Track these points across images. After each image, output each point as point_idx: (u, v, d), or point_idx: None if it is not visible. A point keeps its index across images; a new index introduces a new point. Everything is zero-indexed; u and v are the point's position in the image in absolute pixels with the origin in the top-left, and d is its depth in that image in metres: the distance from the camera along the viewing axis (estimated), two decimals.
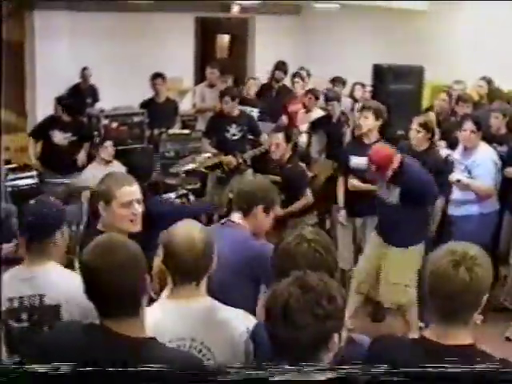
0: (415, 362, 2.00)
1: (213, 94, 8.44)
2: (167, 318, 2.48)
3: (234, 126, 7.14)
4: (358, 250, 5.92)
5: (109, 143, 6.72)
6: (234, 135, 7.16)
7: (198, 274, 2.51)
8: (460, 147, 5.91)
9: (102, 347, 2.04)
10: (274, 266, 2.46)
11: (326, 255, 2.38)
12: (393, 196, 5.08)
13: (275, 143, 5.96)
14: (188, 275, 2.50)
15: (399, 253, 5.16)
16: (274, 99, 9.14)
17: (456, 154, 5.97)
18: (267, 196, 3.37)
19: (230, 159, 6.99)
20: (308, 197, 5.96)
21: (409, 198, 4.99)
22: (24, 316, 2.77)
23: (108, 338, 2.06)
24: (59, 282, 2.76)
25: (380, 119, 5.75)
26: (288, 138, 5.99)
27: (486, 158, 5.70)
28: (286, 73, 9.50)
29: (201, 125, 8.52)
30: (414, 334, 4.76)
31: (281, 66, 9.51)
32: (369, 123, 5.73)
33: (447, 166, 5.89)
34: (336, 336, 1.95)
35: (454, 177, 5.71)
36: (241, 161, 7.02)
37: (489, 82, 8.34)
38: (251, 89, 8.99)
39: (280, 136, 5.95)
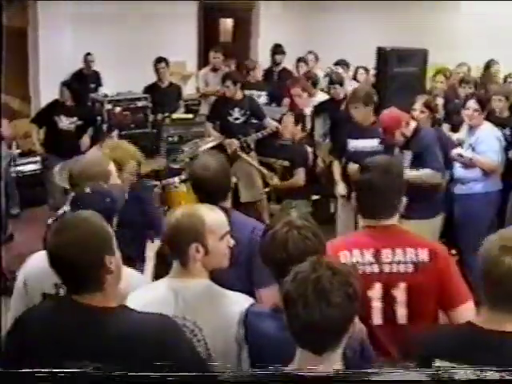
0: (463, 349, 2.07)
1: (216, 78, 8.44)
2: (163, 295, 2.51)
3: (236, 109, 7.14)
4: None
5: (115, 133, 6.71)
6: (236, 119, 7.16)
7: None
8: (465, 127, 5.95)
9: (70, 317, 2.11)
10: (264, 253, 2.44)
11: (315, 241, 2.38)
12: (404, 162, 5.13)
13: (285, 125, 6.50)
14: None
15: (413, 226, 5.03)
16: (276, 83, 9.13)
17: (461, 134, 6.03)
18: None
19: (231, 141, 7.00)
20: (299, 177, 6.11)
21: (420, 162, 5.06)
22: None
23: (75, 308, 2.12)
24: None
25: (370, 104, 5.85)
26: (297, 120, 6.43)
27: (488, 134, 5.73)
28: (283, 53, 9.51)
29: (204, 109, 8.54)
30: None
31: (278, 49, 9.50)
32: (360, 112, 5.82)
33: (450, 143, 5.92)
34: (356, 318, 1.99)
35: (454, 152, 5.74)
36: (244, 144, 7.03)
37: (488, 65, 8.38)
38: (258, 73, 8.96)
39: (290, 118, 6.44)
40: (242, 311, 2.48)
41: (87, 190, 2.84)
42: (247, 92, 7.69)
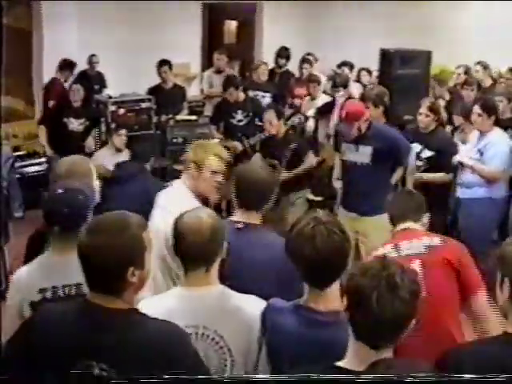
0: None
1: (221, 79, 8.43)
2: (179, 305, 2.49)
3: (239, 111, 7.18)
4: None
5: (123, 132, 6.70)
6: (240, 121, 7.18)
7: (207, 259, 2.52)
8: (475, 131, 5.90)
9: (80, 317, 2.11)
10: (291, 251, 2.42)
11: (341, 236, 2.38)
12: (364, 157, 5.20)
13: (268, 121, 6.29)
14: (197, 260, 2.51)
15: (374, 221, 4.98)
16: (278, 85, 9.13)
17: (471, 138, 5.98)
18: None
19: (234, 144, 7.01)
20: (310, 159, 6.27)
21: (381, 156, 5.12)
22: None
23: (87, 308, 2.12)
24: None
25: (380, 106, 5.86)
26: (279, 115, 6.32)
27: (497, 141, 5.68)
28: (288, 58, 9.49)
29: (208, 111, 8.54)
30: None
31: (283, 52, 9.49)
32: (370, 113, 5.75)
33: (452, 146, 5.92)
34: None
35: (455, 159, 5.73)
36: (247, 146, 7.04)
37: (485, 67, 8.35)
38: (263, 74, 8.93)
39: (271, 113, 6.28)
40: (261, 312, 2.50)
41: (59, 190, 2.86)
42: (252, 93, 7.70)
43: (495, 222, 5.78)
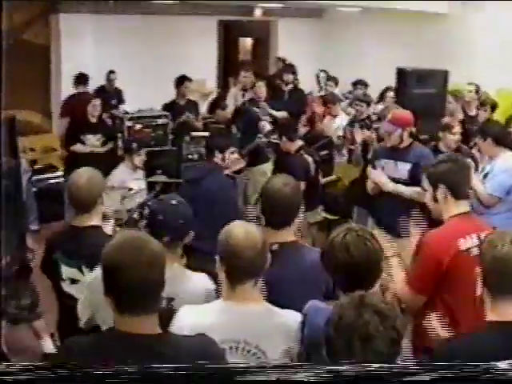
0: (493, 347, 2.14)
1: (245, 98, 8.45)
2: (222, 319, 2.51)
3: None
4: None
5: (143, 151, 6.74)
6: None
7: (257, 272, 2.54)
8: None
9: (119, 349, 2.07)
10: (327, 262, 2.54)
11: (374, 243, 2.51)
12: (401, 173, 5.18)
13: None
14: (247, 273, 2.52)
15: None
16: (287, 102, 9.07)
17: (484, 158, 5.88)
18: None
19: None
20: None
21: (419, 173, 5.02)
22: None
23: (119, 337, 2.09)
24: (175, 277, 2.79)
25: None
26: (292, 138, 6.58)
27: (501, 167, 5.48)
28: (294, 74, 9.49)
29: None
30: None
31: (288, 69, 9.50)
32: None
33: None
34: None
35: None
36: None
37: (477, 89, 8.33)
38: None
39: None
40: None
41: (173, 201, 3.03)
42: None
43: None
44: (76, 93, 8.60)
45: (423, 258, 3.28)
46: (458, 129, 5.89)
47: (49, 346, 2.53)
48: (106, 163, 7.39)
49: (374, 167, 5.45)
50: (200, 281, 2.98)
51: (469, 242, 3.24)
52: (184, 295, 2.83)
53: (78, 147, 7.61)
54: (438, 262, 3.21)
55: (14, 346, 2.52)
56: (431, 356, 2.42)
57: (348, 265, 2.43)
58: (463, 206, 3.38)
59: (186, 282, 2.94)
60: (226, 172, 5.30)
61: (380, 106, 8.59)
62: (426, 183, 3.50)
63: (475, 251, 3.14)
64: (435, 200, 3.40)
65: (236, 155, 5.40)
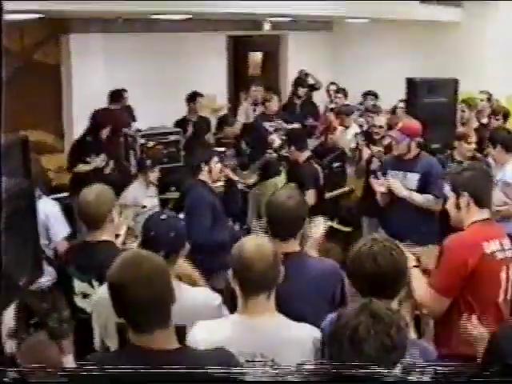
0: None
1: (256, 113, 8.49)
2: (237, 332, 2.53)
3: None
4: None
5: (157, 168, 6.77)
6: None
7: (269, 284, 2.56)
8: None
9: (138, 365, 2.05)
10: (352, 272, 2.59)
11: (400, 252, 2.57)
12: (411, 184, 5.24)
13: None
14: (260, 286, 2.55)
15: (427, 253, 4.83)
16: (299, 115, 9.08)
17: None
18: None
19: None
20: (308, 198, 6.05)
21: (427, 185, 5.13)
22: None
23: (137, 354, 2.09)
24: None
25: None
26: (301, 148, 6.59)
27: (509, 173, 5.57)
28: (304, 86, 9.51)
29: None
30: None
31: (301, 82, 9.52)
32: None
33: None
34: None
35: None
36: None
37: (488, 97, 8.32)
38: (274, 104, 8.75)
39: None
40: (314, 340, 2.57)
41: (163, 216, 3.08)
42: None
43: None
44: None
45: (448, 260, 3.29)
46: (473, 138, 5.89)
47: (70, 362, 2.52)
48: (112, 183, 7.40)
49: (377, 177, 5.47)
50: (198, 295, 2.97)
51: (492, 246, 3.29)
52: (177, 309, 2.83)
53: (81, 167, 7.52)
54: (463, 263, 3.23)
55: (32, 356, 2.51)
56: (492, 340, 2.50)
57: (375, 274, 2.47)
58: (485, 213, 3.41)
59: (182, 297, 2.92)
60: (215, 184, 5.53)
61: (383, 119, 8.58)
62: (448, 190, 3.53)
63: (499, 255, 3.25)
64: (457, 207, 3.42)
65: (219, 165, 5.46)
